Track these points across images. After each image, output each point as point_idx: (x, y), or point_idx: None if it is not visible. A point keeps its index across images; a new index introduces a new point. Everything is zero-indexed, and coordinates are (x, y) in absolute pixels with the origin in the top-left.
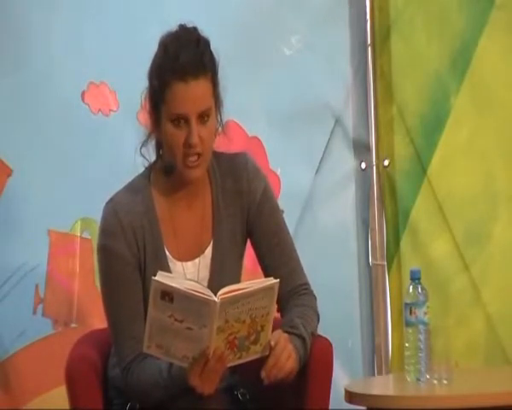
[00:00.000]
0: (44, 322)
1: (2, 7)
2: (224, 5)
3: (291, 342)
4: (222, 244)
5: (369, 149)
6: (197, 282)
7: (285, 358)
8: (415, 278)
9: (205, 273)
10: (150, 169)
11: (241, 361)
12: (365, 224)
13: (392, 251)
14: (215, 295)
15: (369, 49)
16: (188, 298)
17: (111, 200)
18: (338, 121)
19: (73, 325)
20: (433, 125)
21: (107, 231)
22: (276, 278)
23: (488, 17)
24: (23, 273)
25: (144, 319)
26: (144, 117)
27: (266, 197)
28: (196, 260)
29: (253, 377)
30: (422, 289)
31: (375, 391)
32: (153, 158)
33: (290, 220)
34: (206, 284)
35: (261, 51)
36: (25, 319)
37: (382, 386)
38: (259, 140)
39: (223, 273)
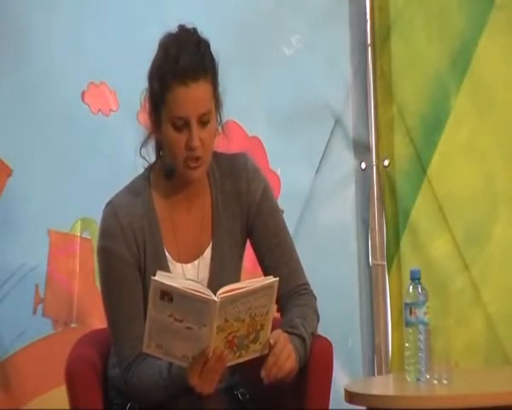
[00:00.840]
0: (44, 322)
1: (2, 7)
2: (223, 5)
3: (291, 341)
4: (221, 245)
5: (369, 149)
6: (197, 282)
7: (285, 357)
8: (415, 278)
9: (204, 274)
10: (150, 170)
11: (240, 360)
12: (365, 224)
13: (392, 251)
14: (215, 295)
15: (369, 49)
16: (187, 298)
17: (111, 201)
18: (338, 121)
19: (73, 325)
20: (433, 125)
21: (107, 233)
22: (276, 278)
23: (488, 17)
24: (23, 273)
25: (144, 319)
26: (144, 117)
27: (266, 197)
28: (196, 262)
29: (253, 377)
30: (422, 289)
31: (375, 391)
32: (152, 159)
33: (290, 220)
34: (205, 284)
35: (261, 51)
36: (25, 319)
37: (382, 386)
38: (259, 140)
39: (222, 274)
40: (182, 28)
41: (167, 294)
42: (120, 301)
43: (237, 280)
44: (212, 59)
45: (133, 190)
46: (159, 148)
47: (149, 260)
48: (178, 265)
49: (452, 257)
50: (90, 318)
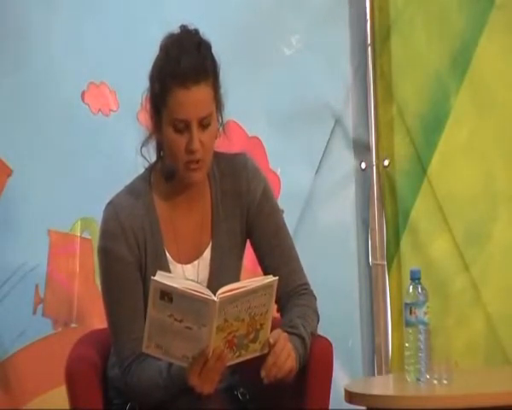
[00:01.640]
0: (44, 322)
1: (2, 7)
2: (223, 5)
3: (290, 341)
4: (221, 245)
5: (369, 149)
6: (196, 282)
7: (284, 357)
8: (415, 278)
9: (204, 275)
10: (150, 170)
11: (240, 360)
12: (365, 224)
13: (392, 251)
14: (214, 295)
15: (369, 49)
16: (187, 298)
17: (111, 201)
18: (338, 121)
19: (73, 325)
20: (433, 125)
21: (107, 233)
22: (275, 277)
23: (488, 17)
24: (23, 273)
25: (144, 319)
26: (144, 117)
27: (266, 197)
28: (196, 262)
29: (253, 377)
30: (422, 289)
31: (375, 391)
32: (153, 158)
33: (290, 220)
34: (205, 285)
35: (261, 51)
36: (25, 319)
37: (382, 386)
38: (259, 140)
39: (222, 274)
40: (183, 29)
41: (167, 294)
42: (120, 300)
43: (237, 280)
44: (213, 61)
45: (134, 190)
46: (159, 148)
47: (150, 260)
48: (179, 265)
49: (452, 257)
50: (90, 318)
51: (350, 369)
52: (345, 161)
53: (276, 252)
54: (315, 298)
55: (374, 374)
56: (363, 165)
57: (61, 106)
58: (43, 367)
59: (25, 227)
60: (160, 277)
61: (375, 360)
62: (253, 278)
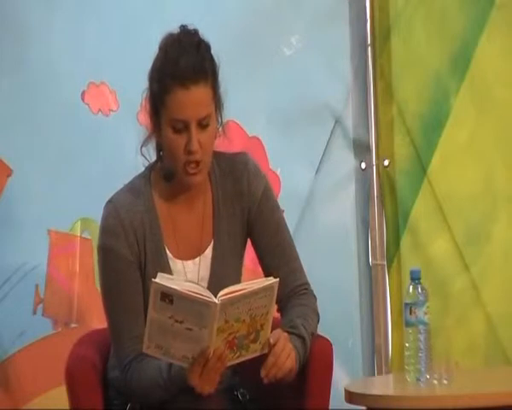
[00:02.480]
0: (44, 322)
1: (3, 7)
2: (223, 5)
3: (291, 341)
4: (222, 244)
5: (369, 149)
6: (197, 283)
7: (284, 357)
8: (415, 278)
9: (205, 273)
10: (150, 169)
11: (240, 360)
12: (365, 224)
13: (392, 251)
14: (215, 295)
15: (369, 49)
16: (188, 300)
17: (111, 200)
18: (338, 121)
19: (73, 325)
20: (433, 125)
21: (107, 231)
22: (276, 277)
23: (488, 17)
24: (23, 273)
25: (144, 318)
26: (144, 117)
27: (267, 197)
28: (197, 260)
29: (254, 378)
30: (422, 289)
31: (375, 391)
32: (153, 158)
33: (290, 220)
34: (206, 283)
35: (261, 51)
36: (25, 319)
37: (382, 386)
38: (259, 140)
39: (223, 273)
40: (183, 29)
41: (168, 296)
42: (120, 299)
43: (238, 279)
44: (212, 61)
45: (133, 188)
46: (159, 148)
47: (150, 257)
48: (179, 262)
49: (452, 257)
50: (90, 318)
51: (350, 369)
52: (345, 161)
53: (277, 251)
54: (315, 298)
55: (374, 374)
56: (363, 165)
57: (61, 106)
58: (43, 367)
59: (25, 227)
60: (160, 278)
61: (375, 360)
62: (253, 280)
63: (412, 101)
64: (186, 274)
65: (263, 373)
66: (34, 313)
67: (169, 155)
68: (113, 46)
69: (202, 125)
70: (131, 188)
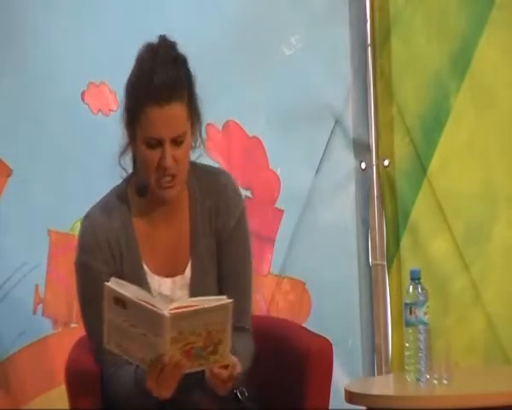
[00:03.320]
0: (44, 322)
1: (3, 7)
2: (223, 5)
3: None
4: (201, 263)
5: (369, 149)
6: (149, 293)
7: (227, 384)
8: (415, 278)
9: (183, 292)
10: (127, 182)
11: (201, 368)
12: (365, 224)
13: (392, 251)
14: None
15: (369, 49)
16: (139, 308)
17: (87, 215)
18: (338, 121)
19: (73, 325)
20: (433, 125)
21: (83, 248)
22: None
23: (488, 17)
24: (23, 273)
25: None
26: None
27: (240, 224)
28: (175, 278)
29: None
30: (422, 289)
31: (375, 391)
32: (130, 169)
33: (290, 220)
34: None
35: (261, 51)
36: (25, 319)
37: (382, 386)
38: (259, 140)
39: (203, 291)
40: (161, 41)
41: (121, 301)
42: (97, 315)
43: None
44: (188, 77)
45: (110, 203)
46: (135, 160)
47: (127, 273)
48: (156, 278)
49: (452, 257)
50: None
51: (350, 369)
52: (345, 161)
53: (233, 282)
54: (250, 341)
55: (374, 374)
56: (363, 165)
57: (61, 106)
58: (43, 367)
59: (25, 227)
60: (113, 283)
61: (375, 360)
62: (209, 297)
63: (412, 101)
64: (161, 292)
65: (207, 373)
66: (34, 313)
67: (143, 169)
68: (113, 46)
69: (177, 142)
70: (107, 203)
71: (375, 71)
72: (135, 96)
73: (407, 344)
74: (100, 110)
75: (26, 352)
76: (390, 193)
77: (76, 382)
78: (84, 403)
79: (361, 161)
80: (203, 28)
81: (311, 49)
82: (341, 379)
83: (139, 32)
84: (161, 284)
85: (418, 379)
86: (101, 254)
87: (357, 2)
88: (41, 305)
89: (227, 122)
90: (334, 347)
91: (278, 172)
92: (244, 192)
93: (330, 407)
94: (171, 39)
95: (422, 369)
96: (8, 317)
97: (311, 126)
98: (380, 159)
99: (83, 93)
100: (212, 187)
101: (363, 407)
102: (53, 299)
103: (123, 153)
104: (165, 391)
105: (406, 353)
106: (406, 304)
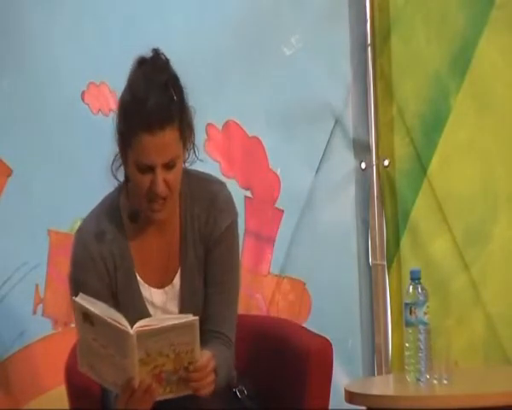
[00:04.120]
0: (44, 322)
1: (3, 7)
2: (223, 5)
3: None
4: (189, 272)
5: (369, 149)
6: (116, 311)
7: (207, 383)
8: (415, 278)
9: (174, 303)
10: (120, 191)
11: (172, 396)
12: (365, 224)
13: (392, 251)
14: None
15: (369, 49)
16: (106, 325)
17: (80, 228)
18: (338, 121)
19: (73, 325)
20: (433, 125)
21: (77, 264)
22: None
23: (488, 17)
24: (23, 273)
25: None
26: None
27: (229, 233)
28: (167, 289)
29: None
30: (422, 289)
31: (375, 391)
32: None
33: (290, 220)
34: (176, 313)
35: (261, 51)
36: (25, 319)
37: (382, 386)
38: (259, 140)
39: (192, 301)
40: (152, 62)
41: (89, 317)
42: None
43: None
44: (180, 98)
45: (102, 213)
46: (127, 177)
47: (121, 284)
48: (149, 289)
49: (452, 257)
50: None
51: (350, 369)
52: (345, 161)
53: (218, 289)
54: (228, 350)
55: (374, 374)
56: (363, 165)
57: (61, 106)
58: (43, 367)
59: (25, 227)
60: (80, 298)
61: (375, 360)
62: (173, 315)
63: (412, 101)
64: (154, 302)
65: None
66: (34, 313)
67: (134, 191)
68: (113, 46)
69: (169, 166)
70: (100, 214)
71: (375, 71)
72: (127, 121)
73: (407, 344)
74: (100, 110)
75: (26, 352)
76: (390, 193)
77: (76, 382)
78: (84, 403)
79: (361, 161)
80: (203, 28)
81: (311, 49)
82: (341, 379)
83: (139, 32)
84: (153, 295)
85: (418, 379)
86: (95, 269)
87: (357, 2)
88: (41, 305)
89: (227, 122)
90: (334, 347)
91: (278, 172)
92: (244, 192)
93: (330, 407)
94: (163, 56)
95: (422, 369)
96: (9, 317)
97: (311, 126)
98: (380, 159)
99: (83, 93)
100: (202, 195)
101: (363, 407)
102: (53, 299)
103: (114, 161)
104: None
105: (406, 353)
106: (406, 304)
